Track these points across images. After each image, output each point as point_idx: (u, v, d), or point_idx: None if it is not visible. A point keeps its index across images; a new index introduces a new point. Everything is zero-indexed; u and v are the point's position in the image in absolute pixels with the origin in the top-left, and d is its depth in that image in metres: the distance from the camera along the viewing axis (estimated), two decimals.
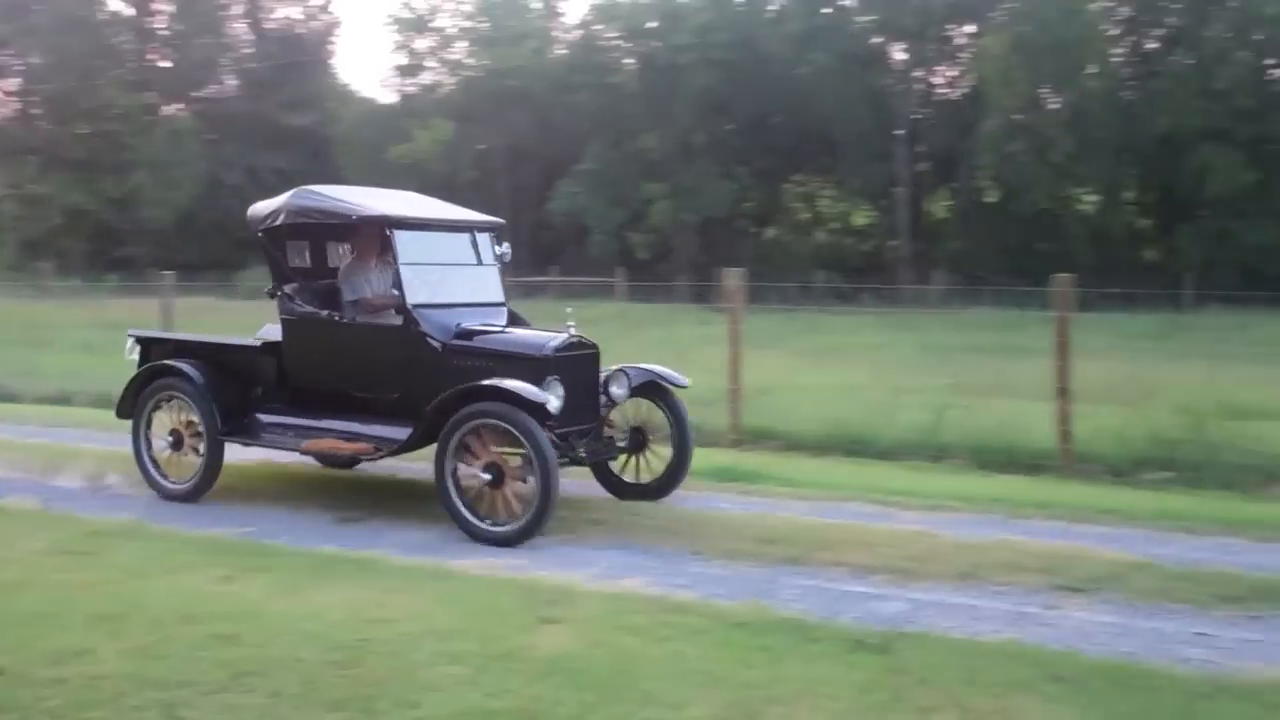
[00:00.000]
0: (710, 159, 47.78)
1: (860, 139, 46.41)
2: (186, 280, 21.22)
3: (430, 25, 54.58)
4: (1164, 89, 43.02)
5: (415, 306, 8.58)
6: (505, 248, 9.52)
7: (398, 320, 8.66)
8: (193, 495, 9.18)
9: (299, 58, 57.50)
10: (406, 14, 54.55)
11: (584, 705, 5.03)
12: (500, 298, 9.36)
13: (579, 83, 49.49)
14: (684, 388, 9.02)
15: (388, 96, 58.43)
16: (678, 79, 46.73)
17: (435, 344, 8.58)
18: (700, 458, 9.55)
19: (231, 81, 60.15)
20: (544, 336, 8.65)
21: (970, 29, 46.85)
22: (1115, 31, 46.49)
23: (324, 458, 9.71)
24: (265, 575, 7.00)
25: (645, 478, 9.17)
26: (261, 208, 9.35)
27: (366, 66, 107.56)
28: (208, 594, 6.59)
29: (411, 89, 56.05)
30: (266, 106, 56.09)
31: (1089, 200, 45.35)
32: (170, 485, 9.34)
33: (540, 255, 45.66)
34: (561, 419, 8.17)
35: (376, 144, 50.61)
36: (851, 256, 48.64)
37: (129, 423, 9.59)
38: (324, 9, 61.82)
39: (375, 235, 9.05)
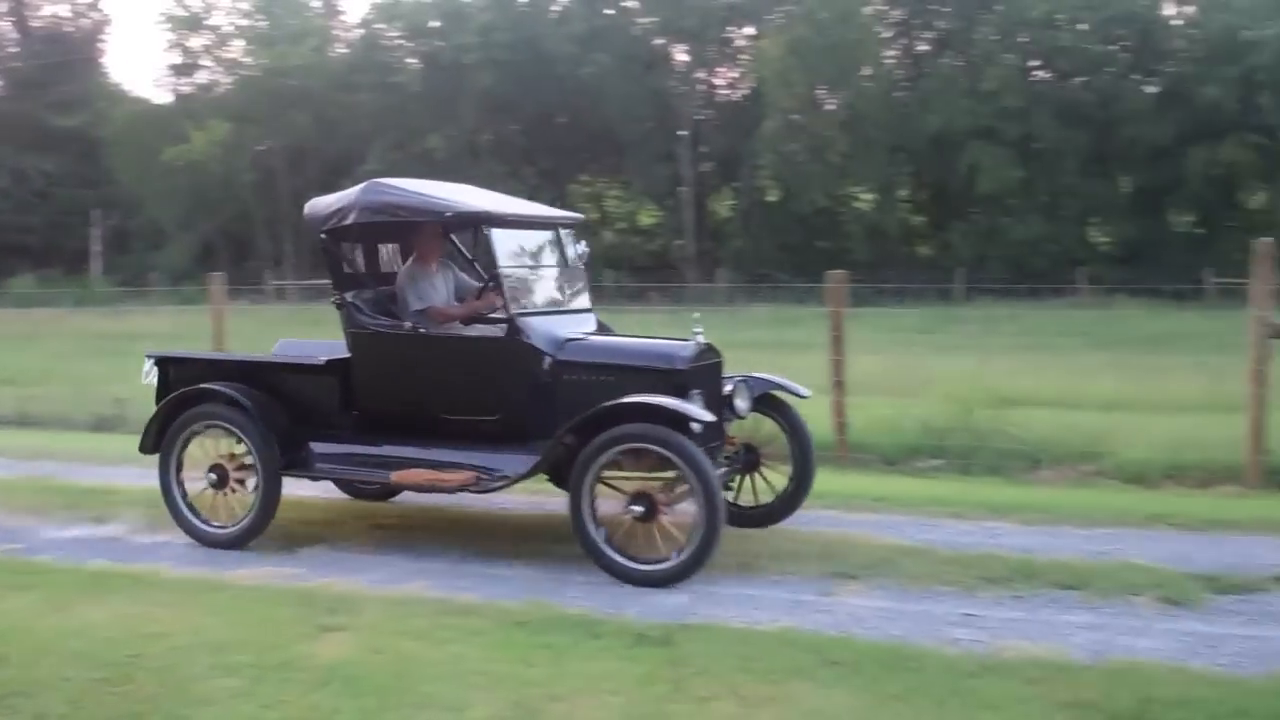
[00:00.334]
0: (496, 159, 47.67)
1: (645, 139, 46.93)
2: None
3: (205, 23, 53.11)
4: (935, 90, 44.59)
5: (520, 315, 7.50)
6: (584, 246, 8.47)
7: (498, 331, 7.64)
8: (242, 540, 7.81)
9: (67, 56, 55.33)
10: (180, 11, 52.96)
11: (363, 712, 4.98)
12: (588, 303, 8.32)
13: (361, 82, 48.88)
14: (805, 398, 8.06)
15: (162, 96, 56.85)
16: (462, 79, 46.54)
17: (544, 357, 7.47)
18: None
19: None
20: (671, 345, 7.55)
21: (750, 31, 47.80)
22: (888, 34, 48.06)
23: (421, 490, 7.92)
24: (31, 593, 6.73)
25: (758, 500, 8.12)
26: (325, 205, 8.13)
27: (139, 65, 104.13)
28: None
29: (187, 88, 54.56)
30: (33, 107, 53.80)
31: (865, 198, 46.70)
32: (213, 530, 7.94)
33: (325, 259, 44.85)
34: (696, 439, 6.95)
35: (150, 145, 49.01)
36: (639, 256, 49.09)
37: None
38: (93, 6, 59.87)
39: (437, 235, 8.24)
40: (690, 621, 6.10)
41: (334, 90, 49.18)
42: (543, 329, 7.54)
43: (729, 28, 48.19)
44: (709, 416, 7.01)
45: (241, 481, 7.93)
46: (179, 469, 8.04)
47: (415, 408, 7.77)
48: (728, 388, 7.64)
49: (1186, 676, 5.29)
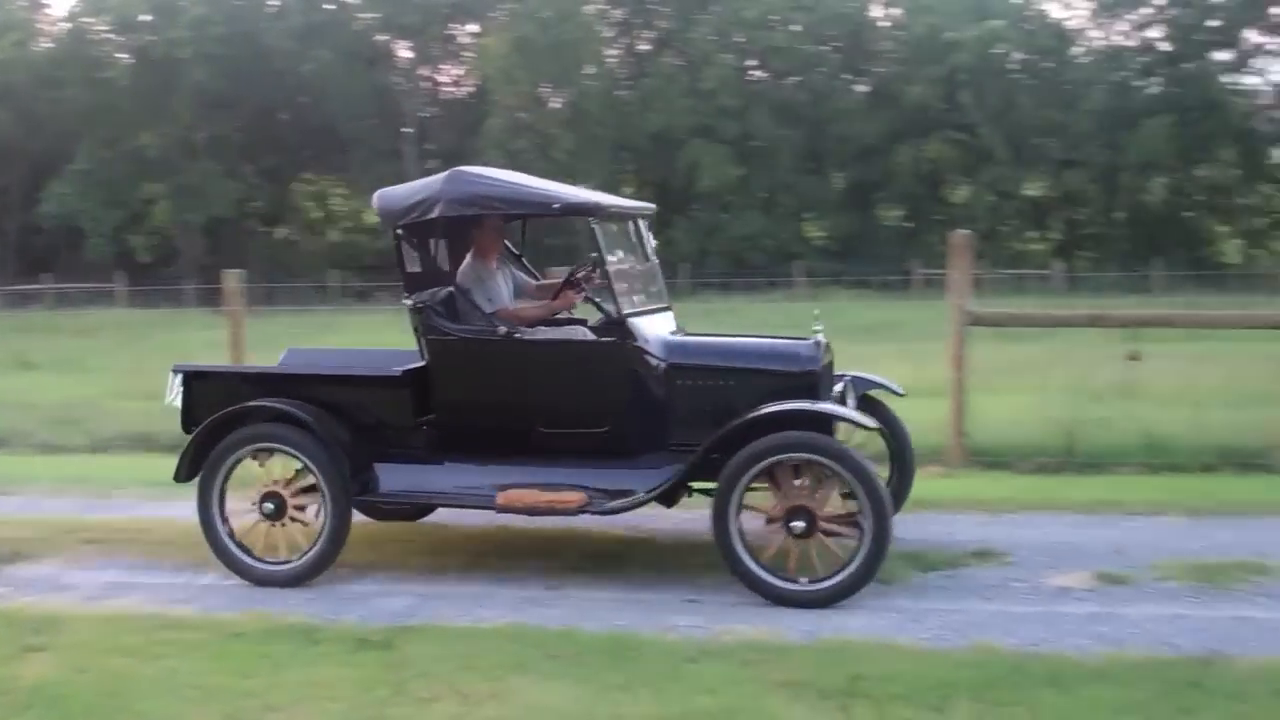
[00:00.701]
0: (213, 157, 46.21)
1: (369, 137, 46.29)
2: None
3: None
4: (656, 89, 45.35)
5: (631, 316, 6.89)
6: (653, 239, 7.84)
7: (606, 336, 6.97)
8: (307, 575, 6.89)
9: None
10: None
11: None
12: (667, 300, 7.66)
13: (67, 78, 46.57)
14: (901, 395, 7.76)
15: None
16: (175, 74, 44.92)
17: (655, 362, 6.89)
18: None
19: None
20: (793, 344, 7.03)
21: (473, 28, 47.64)
22: (610, 33, 48.61)
23: (534, 514, 7.01)
24: None
25: None
26: (401, 197, 7.25)
27: None
28: None
29: None
30: None
31: None
32: (267, 567, 6.95)
33: (30, 262, 42.85)
34: None
35: None
36: (366, 255, 48.32)
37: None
38: None
39: (498, 229, 7.53)
40: (412, 623, 6.06)
41: (38, 86, 46.75)
42: (649, 330, 6.97)
43: (452, 25, 47.94)
44: (874, 423, 6.85)
45: (301, 509, 7.03)
46: (223, 499, 7.03)
47: (507, 421, 6.99)
48: (837, 387, 7.20)
49: (893, 651, 5.52)
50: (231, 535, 7.01)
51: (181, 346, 17.02)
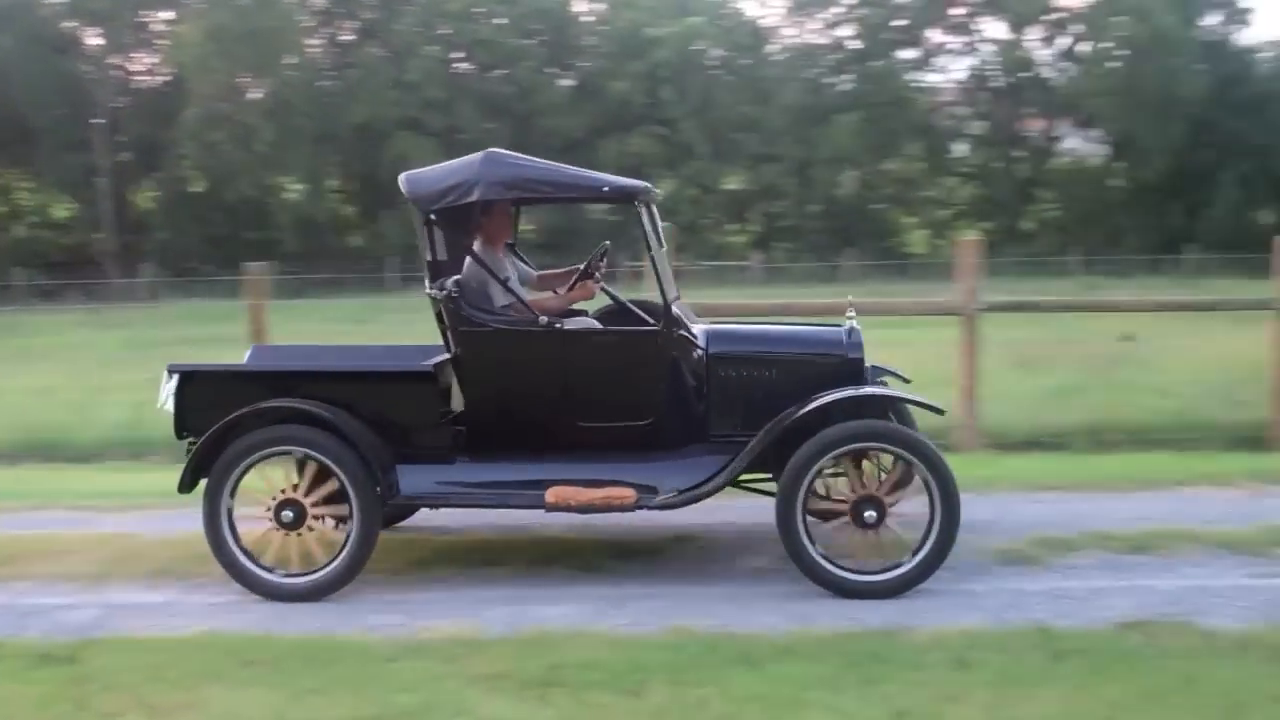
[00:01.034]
0: None
1: (57, 127, 43.96)
2: None
3: None
4: (361, 80, 44.70)
5: (675, 304, 6.64)
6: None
7: (652, 325, 6.60)
8: (332, 587, 6.44)
9: None
10: None
11: None
12: (677, 289, 7.21)
13: None
14: (908, 382, 7.59)
15: None
16: None
17: (697, 351, 6.72)
18: None
19: None
20: (830, 331, 6.91)
21: (167, 16, 45.81)
22: (312, 23, 47.57)
23: (586, 511, 6.51)
24: None
25: None
26: (433, 180, 6.77)
27: None
28: None
29: None
30: None
31: (295, 189, 46.09)
32: (284, 581, 6.46)
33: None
34: None
35: None
36: (54, 251, 45.94)
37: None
38: None
39: (508, 215, 7.22)
40: (98, 636, 5.80)
41: None
42: (688, 319, 6.81)
43: (144, 11, 45.99)
44: (942, 407, 6.72)
45: (320, 519, 6.60)
46: (232, 510, 6.48)
47: (544, 416, 6.66)
48: None
49: (592, 638, 5.60)
50: (243, 548, 6.47)
51: None
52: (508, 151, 6.88)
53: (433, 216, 6.70)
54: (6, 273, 37.46)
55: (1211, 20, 52.79)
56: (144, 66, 47.98)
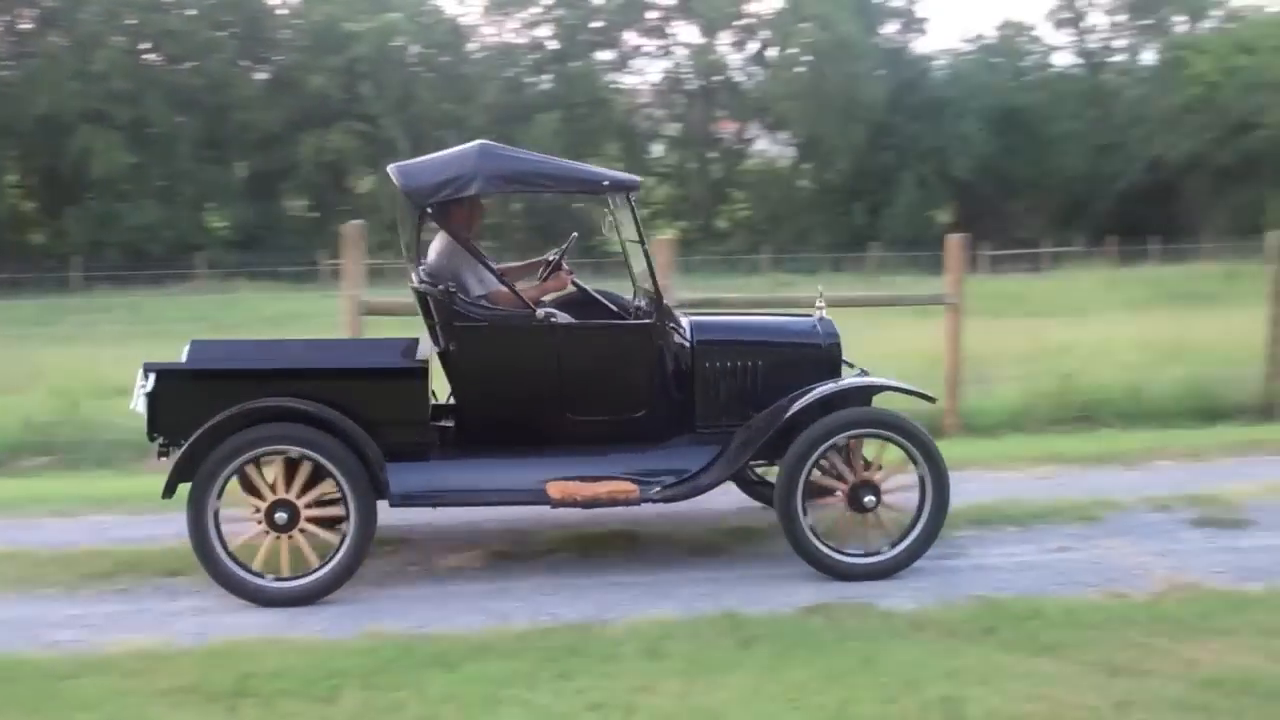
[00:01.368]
0: None
1: None
2: None
3: None
4: (42, 70, 42.46)
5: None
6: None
7: (644, 317, 6.70)
8: (327, 590, 6.19)
9: None
10: None
11: None
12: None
13: None
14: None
15: None
16: None
17: (684, 343, 6.76)
18: None
19: None
20: (804, 321, 7.12)
21: None
22: None
23: (590, 505, 6.49)
24: None
25: None
26: (430, 172, 6.62)
27: None
28: None
29: None
30: None
31: None
32: (275, 585, 6.17)
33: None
34: None
35: None
36: None
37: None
38: None
39: (479, 210, 7.08)
40: None
41: None
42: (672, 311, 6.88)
43: None
44: (933, 395, 6.96)
45: (313, 520, 6.25)
46: (218, 514, 6.11)
47: (538, 410, 6.61)
48: None
49: (285, 646, 5.48)
50: (230, 553, 6.16)
51: None
52: (501, 146, 6.88)
53: (429, 210, 6.56)
54: None
55: (890, 29, 55.52)
56: None
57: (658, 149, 55.48)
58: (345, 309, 9.57)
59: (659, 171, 53.94)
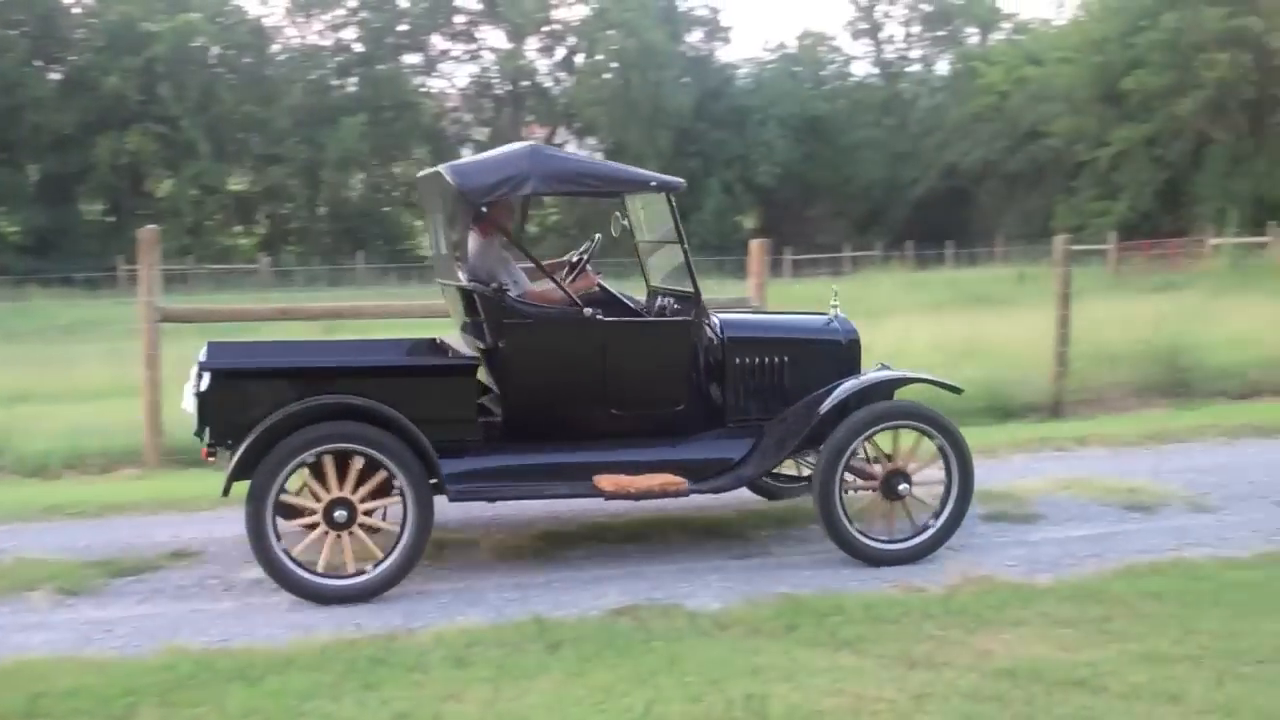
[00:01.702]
0: None
1: None
2: None
3: None
4: None
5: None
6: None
7: (683, 315, 7.01)
8: (385, 586, 6.28)
9: None
10: None
11: None
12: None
13: None
14: None
15: None
16: None
17: (716, 339, 7.03)
18: None
19: None
20: (822, 318, 7.47)
21: None
22: None
23: (641, 498, 6.71)
24: None
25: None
26: (484, 172, 6.71)
27: None
28: None
29: None
30: None
31: None
32: (338, 583, 6.24)
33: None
34: None
35: None
36: None
37: None
38: None
39: (510, 210, 7.23)
40: None
41: None
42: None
43: None
44: (961, 387, 7.28)
45: (369, 514, 6.32)
46: (276, 513, 6.15)
47: (583, 405, 6.82)
48: None
49: (78, 665, 5.30)
50: (288, 552, 6.19)
51: None
52: (549, 147, 7.23)
53: (484, 209, 6.71)
54: None
55: (695, 37, 56.24)
56: None
57: (467, 153, 55.22)
58: (142, 315, 9.32)
59: None
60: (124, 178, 44.72)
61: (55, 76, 45.73)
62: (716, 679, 5.06)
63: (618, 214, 7.54)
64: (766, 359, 7.13)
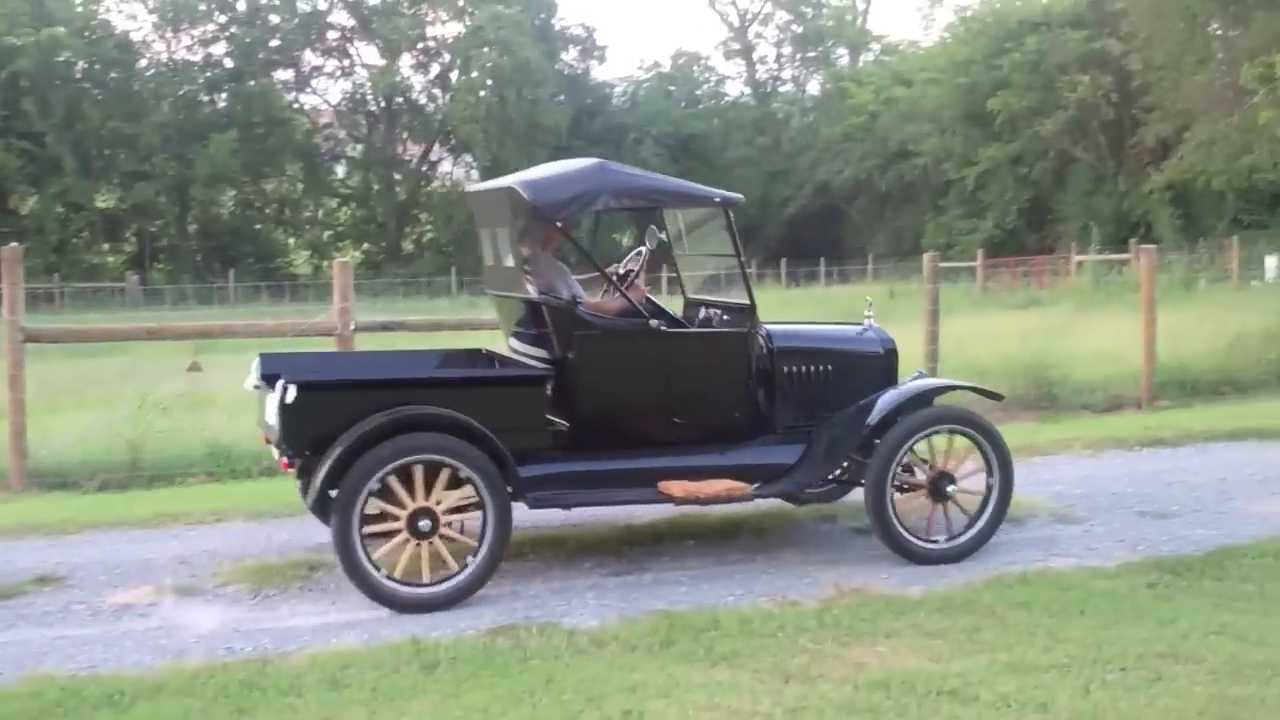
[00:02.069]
0: None
1: None
2: None
3: None
4: None
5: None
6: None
7: (741, 326, 7.22)
8: (467, 593, 6.42)
9: None
10: None
11: None
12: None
13: None
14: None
15: None
16: None
17: (765, 348, 7.25)
18: None
19: None
20: (861, 328, 7.74)
21: None
22: None
23: (706, 503, 7.01)
24: None
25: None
26: (557, 188, 6.89)
27: None
28: None
29: None
30: None
31: None
32: (423, 591, 6.36)
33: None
34: None
35: None
36: None
37: None
38: None
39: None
40: None
41: None
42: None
43: None
44: (1003, 394, 7.70)
45: (450, 525, 6.44)
46: (362, 524, 6.23)
47: (647, 414, 7.05)
48: None
49: None
50: (374, 562, 6.29)
51: None
52: (614, 164, 7.27)
53: (558, 225, 6.98)
54: None
55: (570, 55, 56.42)
56: None
57: (340, 170, 54.72)
58: (6, 336, 9.10)
59: (342, 193, 53.17)
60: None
61: None
62: (594, 696, 5.07)
63: (653, 227, 7.79)
64: (812, 367, 7.40)
